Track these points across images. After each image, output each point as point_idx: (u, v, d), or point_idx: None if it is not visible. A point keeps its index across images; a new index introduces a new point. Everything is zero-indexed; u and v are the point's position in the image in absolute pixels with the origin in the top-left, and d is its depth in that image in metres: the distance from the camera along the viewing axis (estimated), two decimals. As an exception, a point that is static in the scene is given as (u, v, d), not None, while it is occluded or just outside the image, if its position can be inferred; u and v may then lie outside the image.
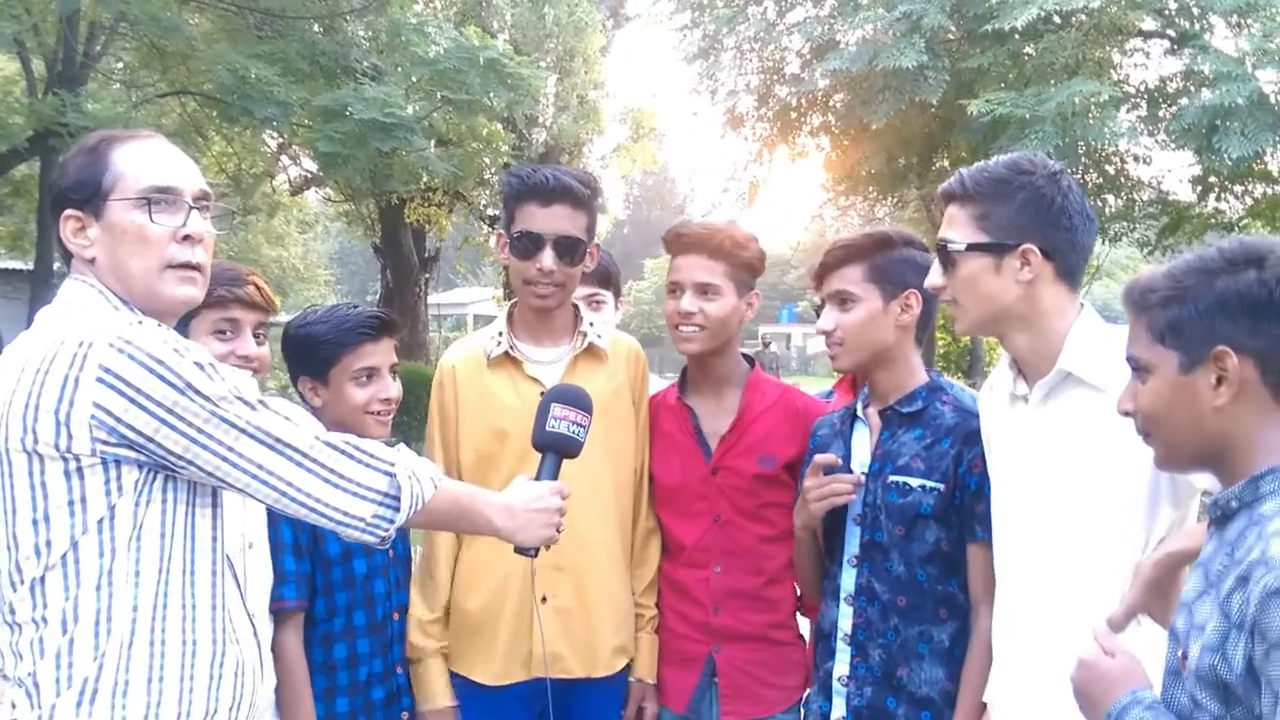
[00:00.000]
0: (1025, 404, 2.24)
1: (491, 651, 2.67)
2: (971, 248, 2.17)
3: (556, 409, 2.30)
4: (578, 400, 2.33)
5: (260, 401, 1.81)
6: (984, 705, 2.34)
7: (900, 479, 2.45)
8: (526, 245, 2.65)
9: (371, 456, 1.88)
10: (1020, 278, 2.14)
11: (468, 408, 2.73)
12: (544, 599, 2.65)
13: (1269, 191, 12.60)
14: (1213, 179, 12.61)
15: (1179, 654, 1.55)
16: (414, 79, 13.87)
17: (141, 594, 1.75)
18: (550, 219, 2.65)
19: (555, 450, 2.30)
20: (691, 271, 2.73)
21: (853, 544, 2.51)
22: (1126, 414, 1.71)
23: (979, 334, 2.37)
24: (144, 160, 1.87)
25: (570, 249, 2.66)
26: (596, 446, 2.68)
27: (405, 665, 2.74)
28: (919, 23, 11.15)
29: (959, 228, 2.20)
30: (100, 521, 1.72)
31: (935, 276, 2.25)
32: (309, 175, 20.13)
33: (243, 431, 1.76)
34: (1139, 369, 1.66)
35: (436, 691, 2.68)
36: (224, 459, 1.76)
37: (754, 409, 2.78)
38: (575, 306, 2.84)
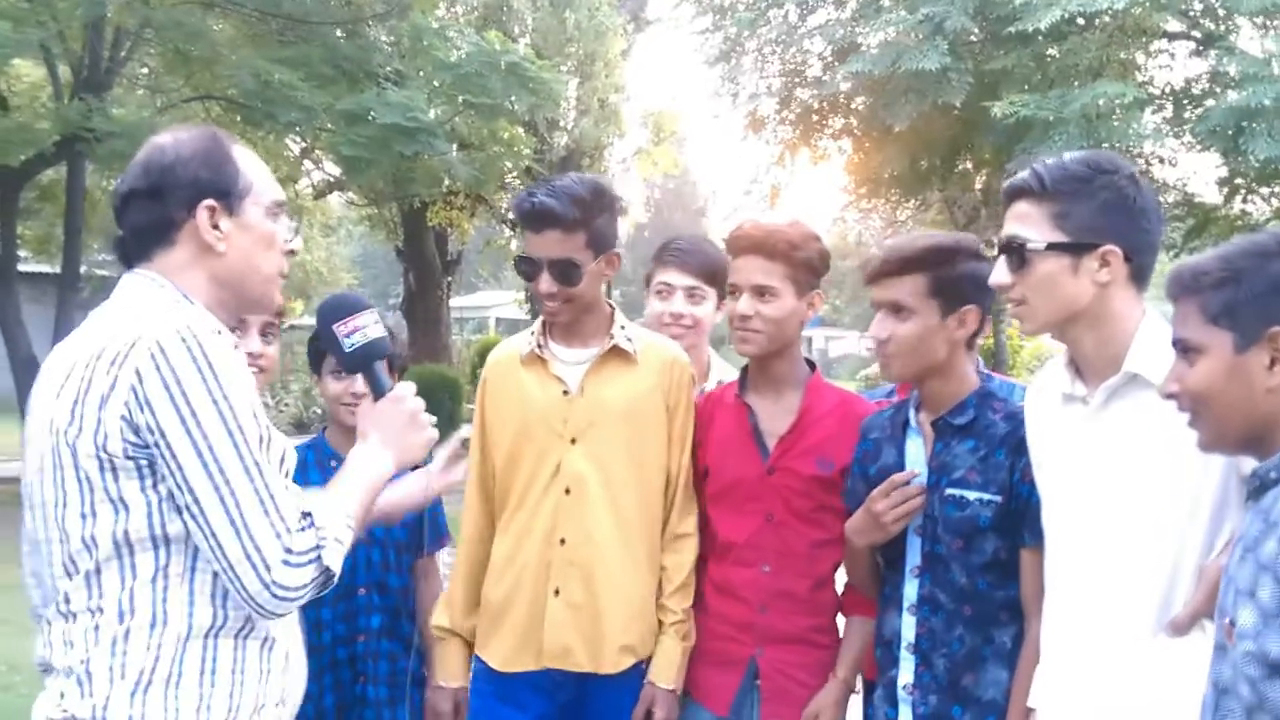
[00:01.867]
0: (1083, 405, 2.18)
1: (507, 639, 2.74)
2: (1051, 247, 2.10)
3: (340, 328, 2.18)
4: (349, 306, 2.21)
5: (255, 463, 1.74)
6: (1030, 711, 2.31)
7: (957, 492, 2.41)
8: (525, 269, 2.76)
9: (305, 552, 1.76)
10: (1098, 279, 2.08)
11: (496, 406, 2.82)
12: (556, 591, 2.70)
13: (1296, 193, 12.51)
14: (1239, 181, 12.53)
15: (1225, 624, 1.56)
16: (436, 83, 13.92)
17: (197, 589, 1.76)
18: (543, 245, 2.69)
19: (366, 364, 2.20)
20: (749, 273, 2.71)
21: (914, 554, 2.48)
22: (1171, 396, 1.71)
23: (1044, 333, 2.29)
24: (263, 171, 1.99)
25: (565, 271, 2.69)
26: (615, 446, 2.73)
27: (368, 636, 2.90)
28: (942, 25, 11.11)
29: (1035, 226, 2.12)
30: (148, 518, 1.72)
31: (1002, 275, 2.17)
32: (332, 179, 20.22)
33: (216, 491, 1.71)
34: (1189, 350, 1.66)
35: (450, 671, 2.85)
36: (187, 508, 1.72)
37: (814, 411, 2.75)
38: (612, 309, 2.87)
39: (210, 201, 1.89)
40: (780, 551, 2.72)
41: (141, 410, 1.69)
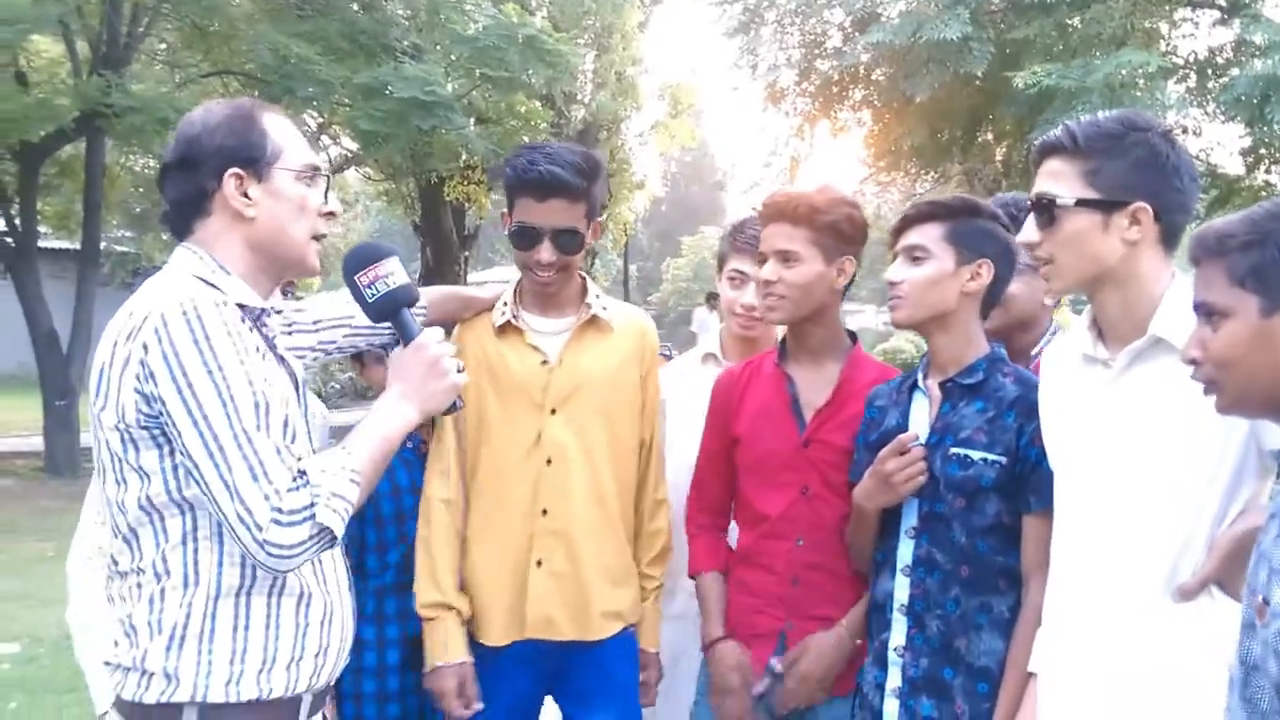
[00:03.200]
0: (1105, 369, 2.16)
1: (492, 612, 2.72)
2: (1081, 203, 2.07)
3: (361, 278, 2.17)
4: (370, 255, 2.20)
5: (244, 431, 1.79)
6: (1030, 675, 2.32)
7: (961, 451, 2.41)
8: (524, 238, 2.69)
9: (295, 512, 1.80)
10: (1128, 237, 2.06)
11: (474, 377, 2.72)
12: (539, 562, 2.70)
13: (1321, 163, 12.38)
14: (1263, 151, 12.40)
15: (1259, 602, 1.54)
16: (453, 57, 13.90)
17: (226, 551, 1.85)
18: (547, 213, 2.66)
19: (392, 311, 2.19)
20: (772, 239, 2.69)
21: (910, 516, 2.48)
22: (1193, 361, 1.69)
23: (1073, 293, 2.27)
24: (295, 136, 2.03)
25: (567, 241, 2.68)
26: (594, 415, 2.74)
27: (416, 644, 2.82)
28: (963, -6, 11.02)
29: (1066, 182, 2.09)
30: (168, 483, 1.82)
31: (1030, 233, 2.15)
32: (349, 154, 20.22)
33: (210, 456, 1.77)
34: (1214, 314, 1.64)
35: (451, 648, 2.68)
36: (189, 471, 1.79)
37: (854, 384, 2.72)
38: (583, 278, 2.86)
39: (237, 169, 1.95)
40: (814, 525, 2.70)
41: (148, 381, 1.77)
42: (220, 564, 1.85)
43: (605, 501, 2.77)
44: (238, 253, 1.97)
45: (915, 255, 2.45)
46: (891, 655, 2.47)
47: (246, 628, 1.86)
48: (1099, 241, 2.07)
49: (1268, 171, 12.96)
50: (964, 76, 11.60)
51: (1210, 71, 11.96)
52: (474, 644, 2.72)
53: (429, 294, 2.68)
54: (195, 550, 1.84)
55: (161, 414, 1.77)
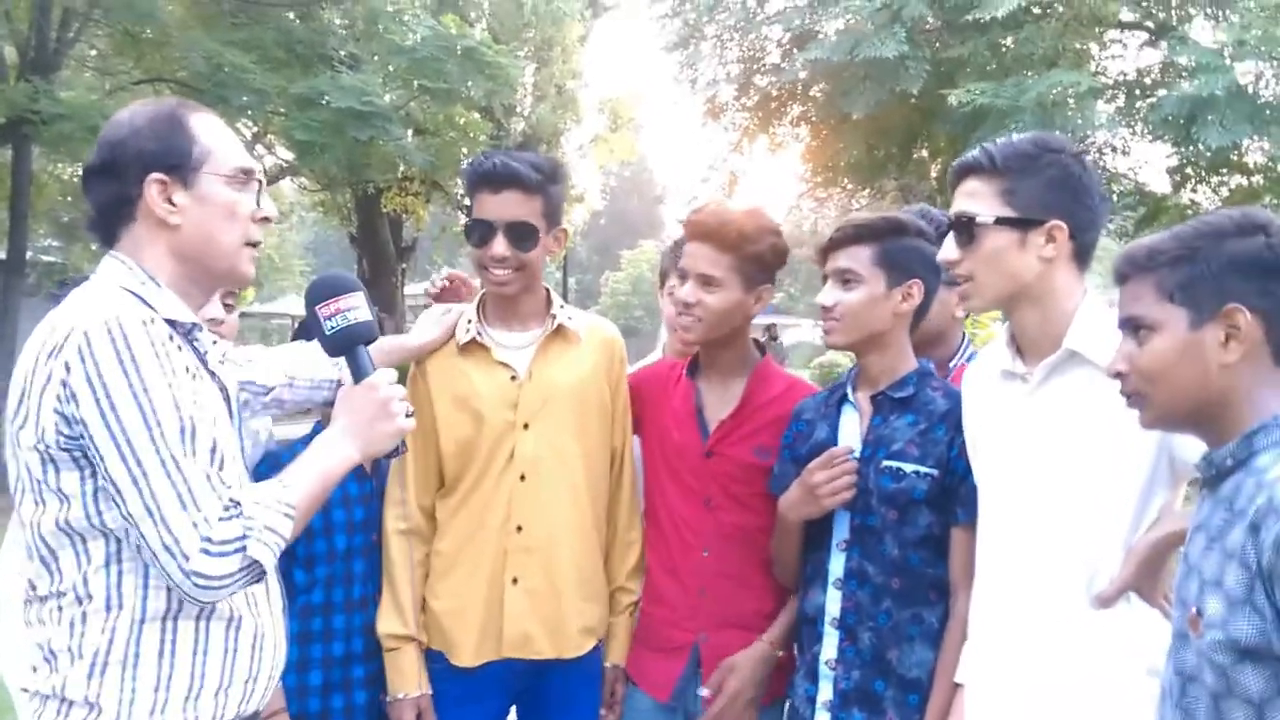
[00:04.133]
0: (1022, 383, 2.22)
1: (466, 633, 2.68)
2: (1000, 221, 2.14)
3: (323, 309, 2.12)
4: (335, 287, 2.15)
5: (172, 458, 1.72)
6: (958, 686, 2.34)
7: (894, 464, 2.44)
8: (479, 232, 2.67)
9: (226, 543, 1.74)
10: (1044, 254, 2.12)
11: (441, 398, 2.73)
12: (515, 580, 2.67)
13: (1244, 183, 12.65)
14: (1189, 170, 12.67)
15: (1191, 613, 1.58)
16: (391, 67, 13.82)
17: (153, 574, 1.76)
18: (501, 206, 2.65)
19: (348, 347, 2.14)
20: (696, 261, 2.70)
21: (842, 529, 2.50)
22: (1119, 375, 1.72)
23: (990, 309, 2.33)
24: (226, 138, 1.95)
25: (521, 234, 2.65)
26: (566, 428, 2.71)
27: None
28: (899, 12, 11.14)
29: (984, 201, 2.16)
30: (88, 507, 1.73)
31: (951, 251, 2.21)
32: (284, 164, 19.98)
33: (134, 483, 1.69)
34: (1142, 328, 1.68)
35: (409, 679, 2.65)
36: (110, 497, 1.72)
37: (757, 399, 2.76)
38: (547, 290, 2.85)
39: (159, 175, 1.86)
40: (719, 535, 2.72)
41: (69, 402, 1.68)
42: (145, 588, 1.77)
43: (580, 515, 2.74)
44: (165, 262, 1.89)
45: (846, 279, 2.48)
46: (823, 668, 2.48)
47: (173, 653, 1.79)
48: (1016, 259, 2.13)
49: (1194, 190, 13.23)
50: (900, 94, 11.72)
51: (1139, 92, 12.20)
52: (446, 666, 2.68)
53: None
54: (119, 574, 1.76)
55: (83, 436, 1.69)
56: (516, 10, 18.91)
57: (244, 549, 1.75)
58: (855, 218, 2.54)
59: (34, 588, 1.80)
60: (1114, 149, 13.39)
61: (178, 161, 1.87)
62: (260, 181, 2.00)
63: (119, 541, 1.75)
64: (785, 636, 2.70)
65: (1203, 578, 1.57)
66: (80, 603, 1.75)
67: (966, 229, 2.17)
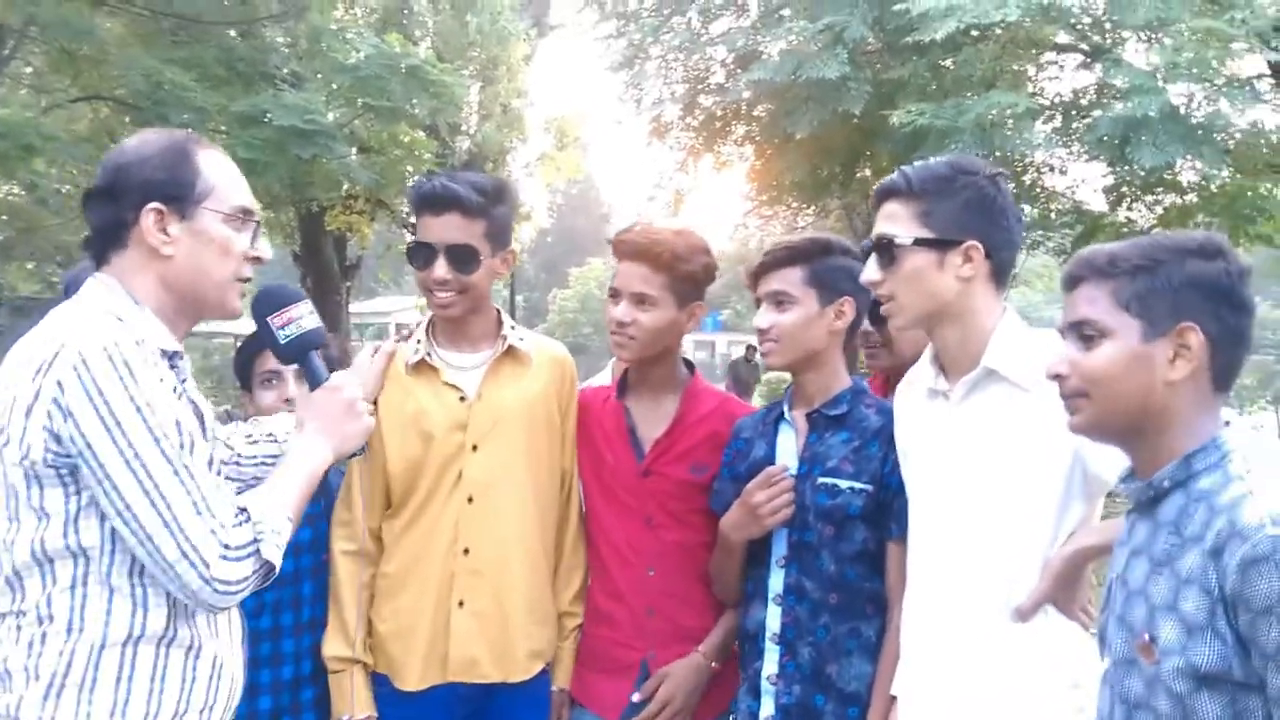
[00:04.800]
0: (945, 400, 2.28)
1: (411, 656, 2.65)
2: (918, 242, 2.19)
3: (274, 320, 2.20)
4: (283, 299, 2.23)
5: (185, 467, 1.77)
6: (894, 699, 2.37)
7: (829, 481, 2.47)
8: (421, 255, 2.67)
9: (242, 547, 1.81)
10: (961, 274, 2.18)
11: (390, 418, 2.70)
12: (461, 603, 2.65)
13: (1178, 201, 12.91)
14: (1124, 189, 12.91)
15: (1143, 640, 1.57)
16: (334, 86, 13.68)
17: (116, 598, 1.77)
18: (442, 229, 2.65)
19: (301, 354, 2.23)
20: (629, 280, 2.72)
21: (780, 546, 2.53)
22: (1057, 377, 1.73)
23: (912, 329, 2.38)
24: (230, 176, 2.00)
25: (463, 257, 2.65)
26: (516, 450, 2.70)
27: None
28: (841, 34, 11.25)
29: (902, 223, 2.21)
30: (65, 530, 1.74)
31: (872, 272, 2.26)
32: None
33: (146, 495, 1.73)
34: (1091, 334, 1.68)
35: (359, 700, 2.63)
36: (119, 513, 1.74)
37: (689, 416, 2.78)
38: (498, 311, 2.84)
39: (157, 205, 1.89)
40: (661, 554, 2.75)
41: (65, 420, 1.69)
42: (109, 612, 1.78)
43: (527, 538, 2.73)
44: (153, 290, 1.92)
45: (779, 300, 2.53)
46: (764, 684, 2.52)
47: (130, 679, 1.79)
48: (935, 278, 2.19)
49: (1129, 209, 13.47)
50: (843, 115, 11.82)
51: (1075, 113, 12.39)
52: (391, 690, 2.65)
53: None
54: (84, 596, 1.77)
55: (79, 455, 1.70)
56: (461, 29, 18.87)
57: (257, 552, 1.81)
58: (783, 240, 2.60)
59: None
60: (1051, 168, 13.62)
61: (179, 193, 1.91)
62: (258, 222, 2.05)
63: (88, 564, 1.76)
64: (720, 648, 2.72)
65: (1152, 603, 1.57)
66: (41, 623, 1.77)
67: (887, 250, 2.22)
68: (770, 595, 2.53)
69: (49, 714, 1.74)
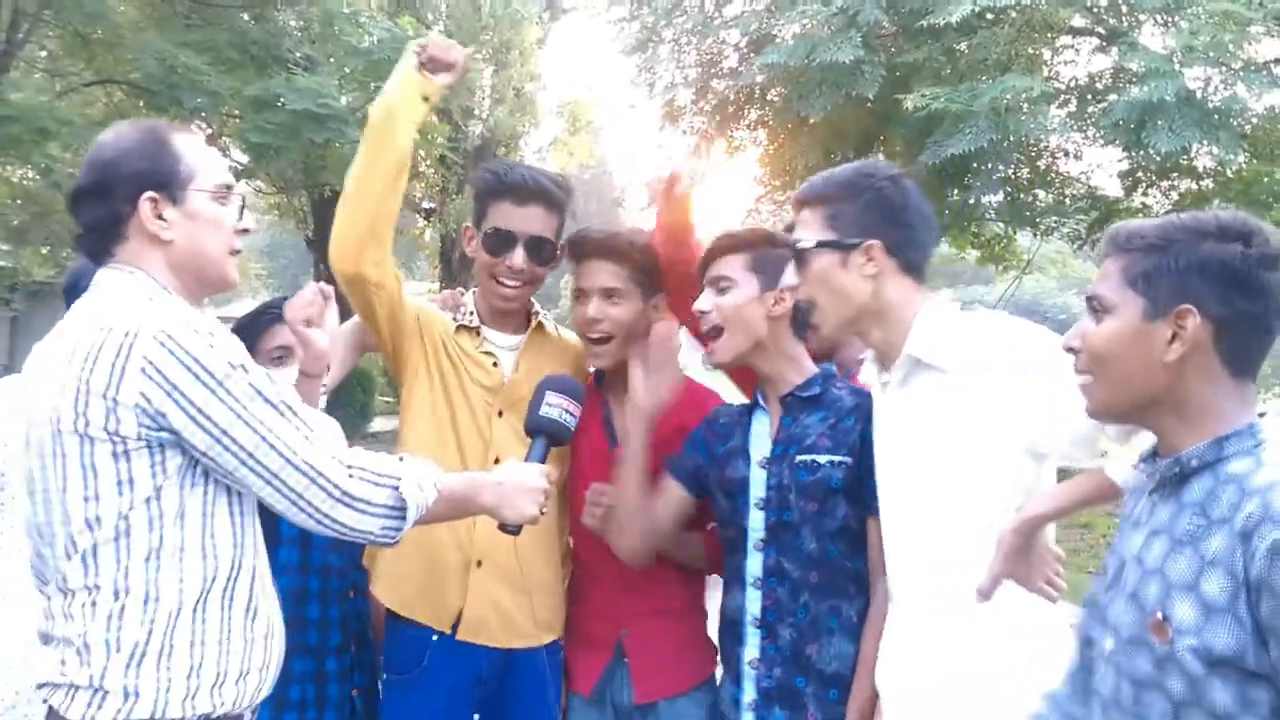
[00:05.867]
0: (884, 390, 2.37)
1: (427, 605, 2.71)
2: (821, 245, 2.30)
3: (551, 396, 2.41)
4: (571, 390, 2.45)
5: (286, 405, 1.92)
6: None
7: (808, 457, 2.50)
8: (498, 242, 2.71)
9: (379, 475, 1.98)
10: (865, 272, 2.28)
11: (433, 361, 2.79)
12: (479, 563, 2.70)
13: (1194, 187, 12.84)
14: (1140, 174, 12.85)
15: (1156, 619, 1.56)
16: (347, 69, 13.70)
17: (187, 568, 1.88)
18: (525, 219, 2.70)
19: (546, 435, 2.40)
20: (596, 276, 2.77)
21: (758, 528, 2.55)
22: (1070, 350, 1.73)
23: (841, 334, 2.48)
24: (208, 155, 2.09)
25: (542, 250, 2.73)
26: None
27: (359, 643, 2.80)
28: (855, 18, 11.20)
29: (810, 228, 2.33)
30: (148, 500, 1.85)
31: (790, 277, 2.38)
32: (239, 167, 19.77)
33: (264, 440, 1.87)
34: (1099, 309, 1.68)
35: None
36: (242, 463, 1.88)
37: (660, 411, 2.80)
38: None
39: (151, 193, 1.98)
40: None
41: (169, 395, 1.81)
42: (181, 579, 1.87)
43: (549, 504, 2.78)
44: (161, 274, 2.00)
45: (721, 285, 2.60)
46: (746, 669, 2.54)
47: (203, 643, 1.90)
48: (842, 278, 2.30)
49: (1145, 194, 13.41)
50: (856, 98, 11.78)
51: (1090, 97, 12.33)
52: (407, 624, 2.69)
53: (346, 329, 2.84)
54: (158, 568, 1.86)
55: (186, 425, 1.82)
56: (474, 12, 18.84)
57: (396, 487, 1.98)
58: (729, 231, 2.68)
59: (66, 580, 1.87)
60: (1066, 153, 13.57)
61: (167, 180, 2.00)
62: (242, 196, 2.14)
63: (163, 533, 1.86)
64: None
65: (1169, 582, 1.56)
66: (118, 596, 1.85)
67: (800, 255, 2.34)
68: (749, 579, 2.55)
69: (132, 681, 1.84)
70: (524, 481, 2.27)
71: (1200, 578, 1.51)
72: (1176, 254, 1.61)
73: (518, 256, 2.69)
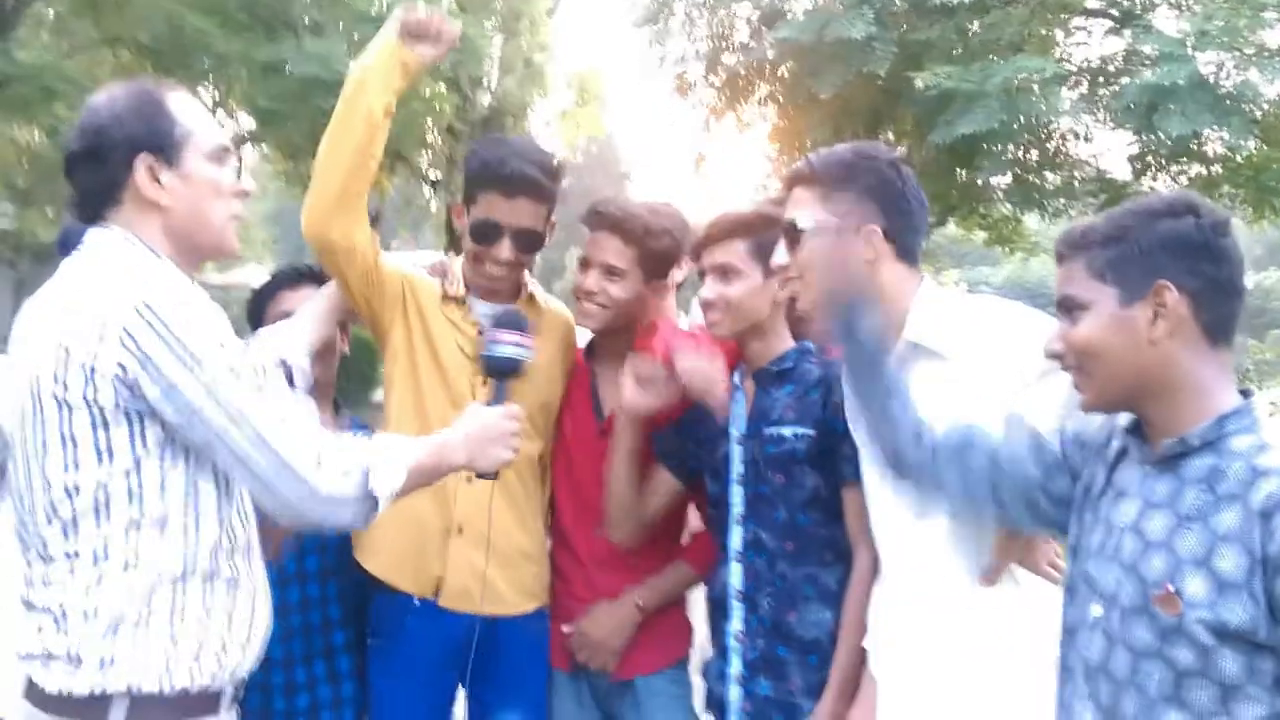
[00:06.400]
0: None
1: (407, 571, 2.70)
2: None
3: (500, 334, 2.35)
4: (516, 323, 2.40)
5: (263, 387, 1.86)
6: (864, 649, 2.41)
7: (774, 430, 2.52)
8: (485, 233, 2.68)
9: (348, 465, 1.90)
10: (863, 256, 2.23)
11: (413, 328, 2.76)
12: (460, 529, 2.69)
13: (1203, 172, 12.80)
14: (1150, 158, 12.80)
15: (1165, 591, 1.59)
16: (356, 36, 13.63)
17: (169, 540, 1.83)
18: (513, 212, 2.66)
19: (502, 374, 2.36)
20: (602, 251, 2.75)
21: (738, 503, 2.57)
22: (1054, 355, 1.76)
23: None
24: (204, 116, 2.02)
25: (529, 241, 2.70)
26: (522, 393, 2.68)
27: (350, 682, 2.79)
28: (868, -6, 11.16)
29: (807, 208, 2.28)
30: (127, 473, 1.79)
31: (781, 256, 2.33)
32: (247, 133, 19.74)
33: (233, 421, 1.80)
34: (1073, 308, 1.71)
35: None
36: (210, 443, 1.82)
37: None
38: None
39: (147, 156, 1.91)
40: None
41: (143, 366, 1.75)
42: (163, 552, 1.83)
43: (527, 474, 2.78)
44: (157, 238, 1.94)
45: (725, 272, 2.57)
46: (732, 642, 2.56)
47: (183, 613, 1.85)
48: None
49: (1154, 178, 13.36)
50: (867, 75, 11.74)
51: (1102, 79, 12.29)
52: (389, 589, 2.69)
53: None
54: (139, 539, 1.81)
55: (159, 398, 1.77)
56: (484, -20, 18.73)
57: (364, 475, 1.89)
58: (726, 215, 2.63)
59: (46, 546, 1.83)
60: (1077, 135, 13.51)
61: (162, 142, 1.92)
62: (239, 157, 2.07)
63: (143, 503, 1.81)
64: (652, 593, 2.79)
65: (1178, 556, 1.59)
66: (97, 563, 1.80)
67: (793, 234, 2.29)
68: (732, 554, 2.57)
69: (107, 652, 1.79)
70: (491, 428, 2.21)
71: (1212, 553, 1.55)
72: (1136, 238, 1.66)
73: (504, 249, 2.67)
